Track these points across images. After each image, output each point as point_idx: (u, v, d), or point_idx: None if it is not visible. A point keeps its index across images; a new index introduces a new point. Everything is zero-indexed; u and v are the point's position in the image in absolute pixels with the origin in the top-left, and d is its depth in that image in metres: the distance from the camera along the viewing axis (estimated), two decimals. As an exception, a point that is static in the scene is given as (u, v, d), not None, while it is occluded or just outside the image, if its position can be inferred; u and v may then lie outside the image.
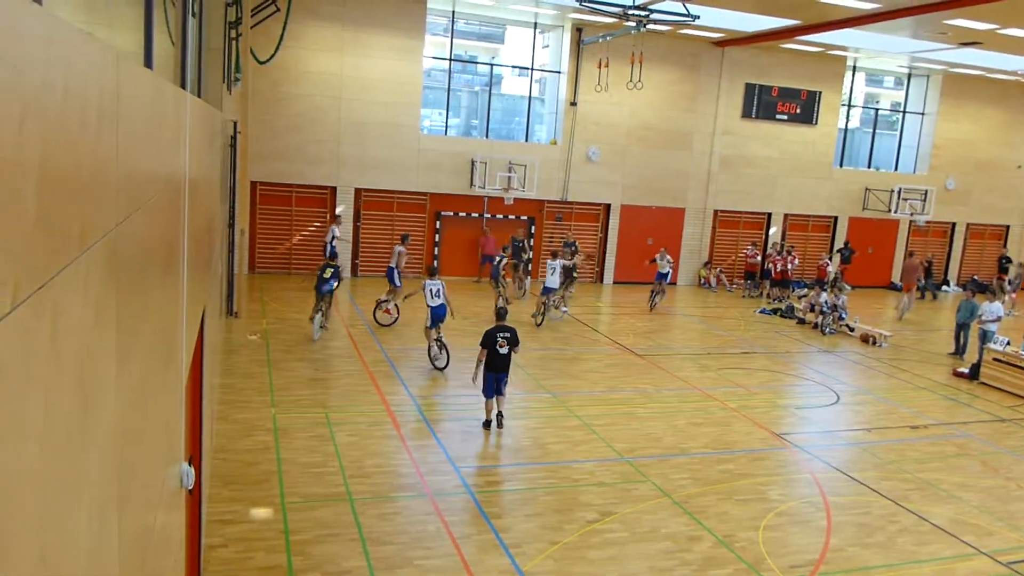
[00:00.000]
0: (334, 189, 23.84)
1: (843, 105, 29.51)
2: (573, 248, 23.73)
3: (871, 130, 31.54)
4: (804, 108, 28.32)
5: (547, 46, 26.60)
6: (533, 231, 26.16)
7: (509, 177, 24.32)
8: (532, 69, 26.31)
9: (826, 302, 21.44)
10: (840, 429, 13.42)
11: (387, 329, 17.61)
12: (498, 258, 20.50)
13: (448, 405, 12.93)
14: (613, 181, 26.59)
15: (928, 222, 30.12)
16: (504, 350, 11.89)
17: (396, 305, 17.94)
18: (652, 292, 22.53)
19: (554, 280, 19.55)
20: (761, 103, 27.78)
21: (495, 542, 8.40)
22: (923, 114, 30.68)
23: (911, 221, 30.29)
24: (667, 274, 22.67)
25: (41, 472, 1.53)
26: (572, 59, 25.32)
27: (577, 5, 20.23)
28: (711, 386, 15.17)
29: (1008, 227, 33.02)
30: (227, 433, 10.72)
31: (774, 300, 25.35)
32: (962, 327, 19.42)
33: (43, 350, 1.55)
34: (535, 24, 25.67)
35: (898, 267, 30.33)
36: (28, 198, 1.44)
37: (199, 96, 6.51)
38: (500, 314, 12.58)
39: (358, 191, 24.09)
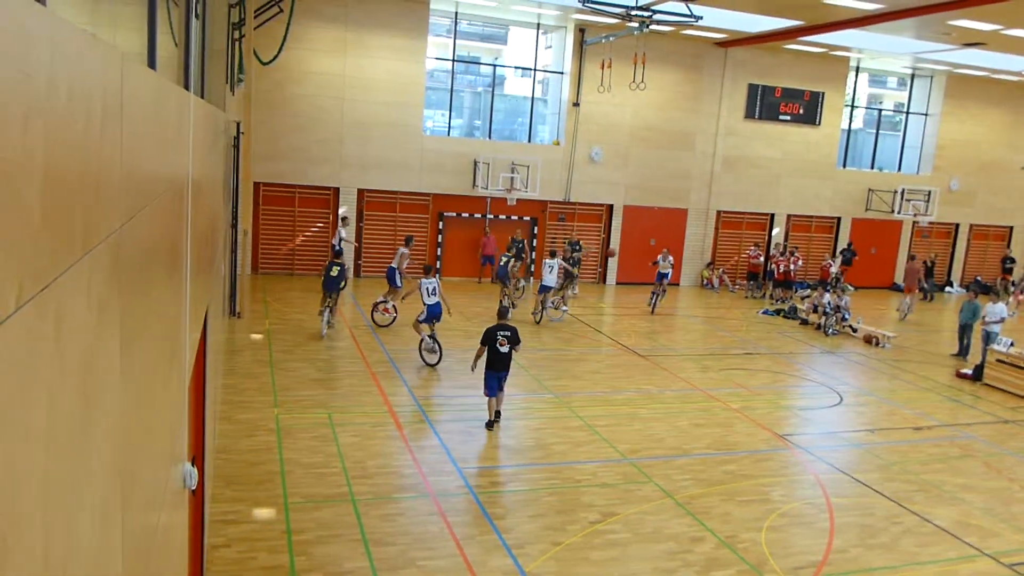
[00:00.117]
0: (337, 190, 23.86)
1: (846, 106, 29.49)
2: (577, 247, 23.75)
3: (874, 131, 31.50)
4: (807, 109, 28.30)
5: (550, 47, 26.60)
6: (536, 231, 26.16)
7: (512, 178, 24.32)
8: (535, 70, 26.31)
9: (829, 303, 21.42)
10: (843, 430, 13.40)
11: (389, 330, 17.62)
12: (505, 259, 20.46)
13: (450, 405, 12.93)
14: (616, 182, 26.58)
15: (931, 223, 30.06)
16: (504, 349, 11.94)
17: (394, 305, 17.96)
18: (653, 293, 22.46)
19: (551, 278, 19.62)
20: (764, 104, 27.76)
21: (498, 543, 8.40)
22: (927, 115, 30.65)
23: (914, 222, 30.24)
24: (668, 275, 22.65)
25: (44, 472, 1.53)
26: (575, 60, 25.32)
27: (580, 6, 20.23)
28: (714, 387, 15.16)
29: (1012, 228, 32.96)
30: (230, 433, 10.73)
31: (777, 301, 25.32)
32: (965, 328, 19.38)
33: (47, 351, 1.55)
34: (538, 25, 25.68)
35: (901, 268, 30.27)
36: (32, 199, 1.44)
37: (202, 97, 6.52)
38: (501, 313, 12.64)
39: (361, 192, 24.11)
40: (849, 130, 30.25)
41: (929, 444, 12.90)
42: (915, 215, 29.29)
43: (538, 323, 19.55)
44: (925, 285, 28.41)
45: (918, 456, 12.21)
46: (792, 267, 25.48)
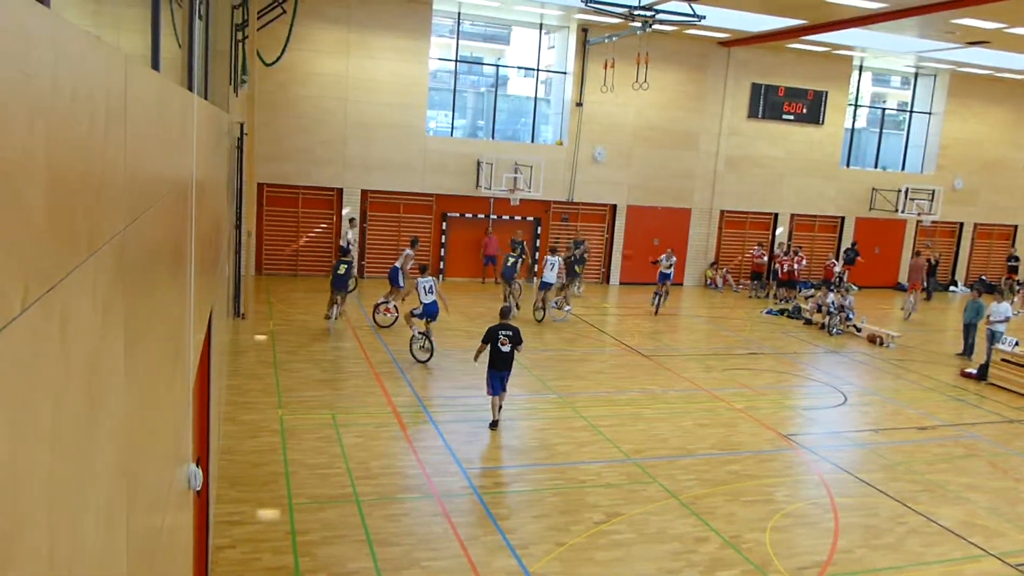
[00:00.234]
0: (340, 191, 23.88)
1: (850, 105, 29.44)
2: (582, 247, 23.76)
3: (878, 130, 31.45)
4: (810, 108, 28.26)
5: (553, 47, 26.60)
6: (539, 232, 26.16)
7: (515, 178, 24.32)
8: (538, 70, 26.31)
9: (833, 302, 21.39)
10: (847, 430, 13.38)
11: (392, 330, 17.62)
12: (512, 260, 20.49)
13: (454, 406, 12.93)
14: (619, 182, 26.57)
15: (935, 222, 30.00)
16: (506, 348, 11.99)
17: (395, 305, 18.00)
18: (655, 294, 22.27)
19: (552, 275, 19.69)
20: (767, 103, 27.73)
21: (502, 543, 8.40)
22: (930, 114, 30.59)
23: (918, 221, 30.18)
24: (670, 275, 22.54)
25: (50, 473, 1.53)
26: (578, 60, 25.32)
27: (583, 6, 20.23)
28: (718, 387, 15.14)
29: (1016, 227, 32.89)
30: (234, 434, 10.74)
31: (780, 300, 25.29)
32: (969, 327, 19.35)
33: (52, 352, 1.55)
34: (540, 25, 25.68)
35: (905, 267, 30.20)
36: (36, 201, 1.45)
37: (206, 98, 6.53)
38: (504, 313, 12.71)
39: (364, 192, 24.13)
40: (853, 129, 30.20)
41: (934, 444, 12.87)
42: (919, 214, 29.24)
43: (539, 321, 19.62)
44: (926, 284, 28.36)
45: (923, 456, 12.19)
46: (796, 267, 25.45)
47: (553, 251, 20.56)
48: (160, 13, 3.70)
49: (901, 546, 9.09)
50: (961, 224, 31.93)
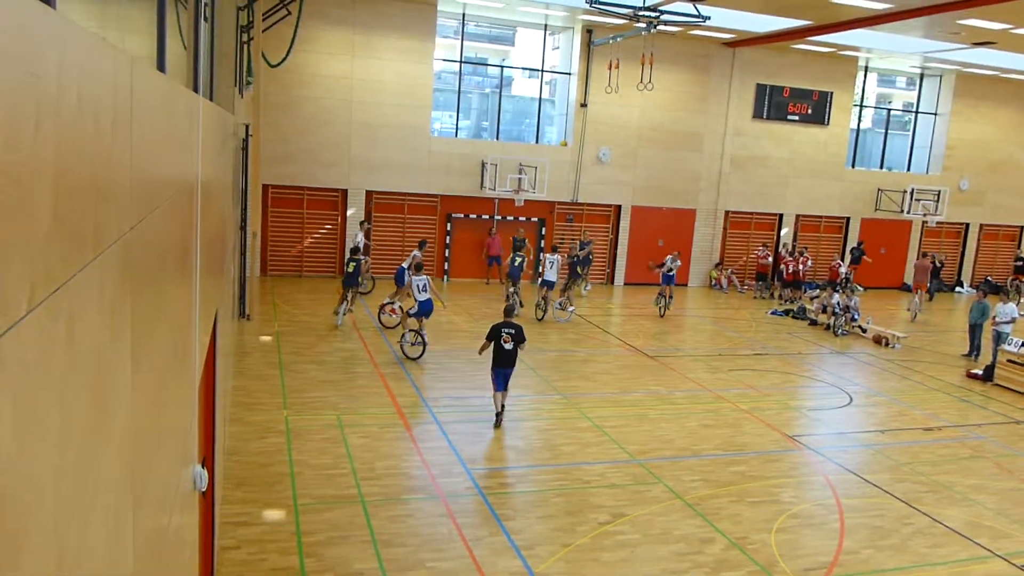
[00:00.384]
0: (345, 192, 23.91)
1: (855, 105, 29.38)
2: (588, 247, 23.75)
3: (883, 130, 31.39)
4: (816, 109, 28.22)
5: (557, 48, 26.60)
6: (544, 232, 26.15)
7: (520, 179, 24.33)
8: (542, 71, 26.31)
9: (838, 303, 21.35)
10: (853, 431, 13.35)
11: (397, 331, 17.60)
12: (519, 259, 20.55)
13: (459, 406, 12.93)
14: (624, 182, 26.56)
15: (940, 223, 29.92)
16: (509, 346, 12.07)
17: (400, 306, 18.04)
18: (659, 295, 22.07)
19: (552, 273, 19.81)
20: (772, 104, 27.70)
21: (507, 544, 8.40)
22: (936, 114, 30.52)
23: (923, 222, 30.11)
24: (673, 277, 22.36)
25: (57, 473, 1.54)
26: (582, 60, 25.31)
27: (587, 7, 20.22)
28: (723, 388, 15.12)
29: (1022, 227, 32.80)
30: (240, 435, 10.76)
31: (786, 301, 25.25)
32: (975, 328, 19.30)
33: (59, 352, 1.56)
34: (545, 26, 25.68)
35: (910, 268, 30.13)
36: (43, 201, 1.45)
37: (211, 100, 6.54)
38: (507, 311, 12.87)
39: (369, 193, 24.15)
40: (858, 130, 30.14)
41: (940, 445, 12.84)
42: (925, 215, 29.16)
43: (539, 320, 19.68)
44: (929, 285, 28.26)
45: (929, 457, 12.16)
46: (802, 267, 25.40)
47: (554, 249, 20.77)
48: (166, 15, 3.71)
49: (907, 547, 9.07)
50: (967, 225, 31.84)
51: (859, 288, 22.75)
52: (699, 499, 9.90)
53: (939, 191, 29.16)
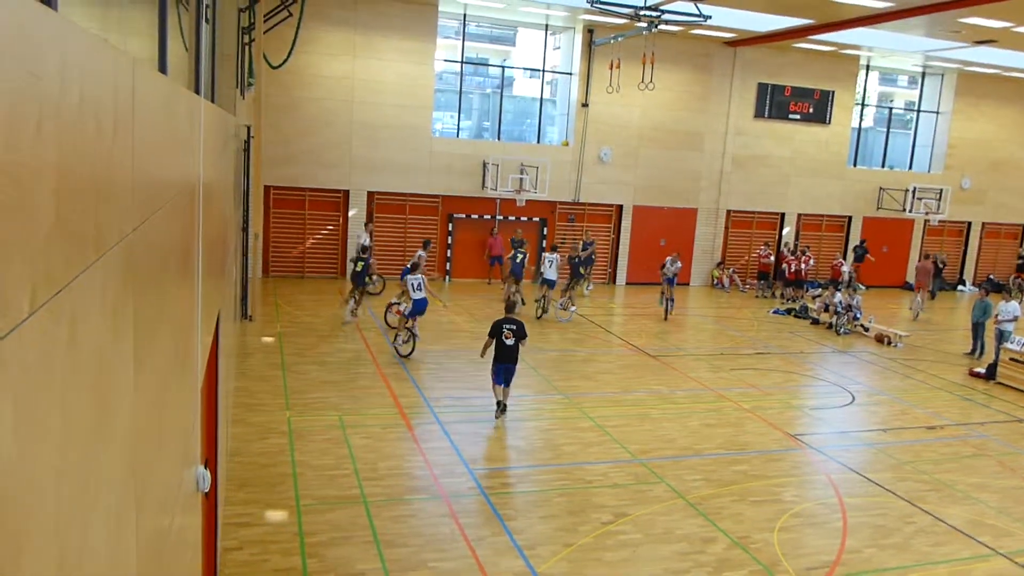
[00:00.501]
0: (347, 192, 23.92)
1: (856, 104, 29.36)
2: (590, 248, 23.77)
3: (885, 129, 31.37)
4: (817, 107, 28.20)
5: (558, 48, 26.60)
6: (545, 232, 26.15)
7: (521, 179, 24.33)
8: (544, 71, 26.31)
9: (840, 302, 21.33)
10: (855, 430, 13.35)
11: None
12: (520, 257, 20.64)
13: (461, 407, 12.93)
14: (625, 182, 26.55)
15: (942, 221, 29.90)
16: (510, 341, 12.18)
17: (405, 306, 18.04)
18: (662, 294, 21.86)
19: (552, 272, 19.94)
20: (774, 103, 27.68)
21: (509, 544, 8.40)
22: (937, 113, 30.49)
23: (926, 221, 30.09)
24: (674, 279, 22.19)
25: (58, 475, 1.54)
26: (583, 60, 25.31)
27: (588, 6, 20.22)
28: (725, 387, 15.12)
29: (1024, 226, 32.84)
30: (242, 436, 10.77)
31: (788, 300, 25.24)
32: (977, 327, 19.29)
33: (60, 354, 1.56)
34: (546, 26, 25.68)
35: (912, 267, 30.10)
36: (45, 203, 1.45)
37: (213, 101, 6.54)
38: (509, 307, 13.06)
39: (370, 194, 24.17)
40: (860, 129, 30.12)
41: (942, 443, 12.83)
42: (926, 214, 29.15)
43: (538, 318, 19.72)
44: (931, 285, 28.24)
45: (931, 455, 12.15)
46: (803, 267, 25.38)
47: (554, 248, 20.88)
48: (167, 16, 3.72)
49: (909, 546, 9.06)
50: (969, 223, 31.81)
51: (861, 287, 22.72)
52: (701, 498, 9.89)
53: (941, 190, 29.14)
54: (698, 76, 26.68)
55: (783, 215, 28.97)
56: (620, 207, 26.84)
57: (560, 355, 16.88)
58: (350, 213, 23.93)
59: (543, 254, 21.25)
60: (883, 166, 30.97)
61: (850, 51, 26.91)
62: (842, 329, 21.02)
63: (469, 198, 24.97)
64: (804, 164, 28.55)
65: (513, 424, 12.21)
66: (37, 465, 1.40)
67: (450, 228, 25.22)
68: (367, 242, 22.14)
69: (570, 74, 25.84)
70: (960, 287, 31.57)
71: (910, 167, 31.10)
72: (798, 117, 28.07)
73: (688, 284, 27.57)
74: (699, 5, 19.80)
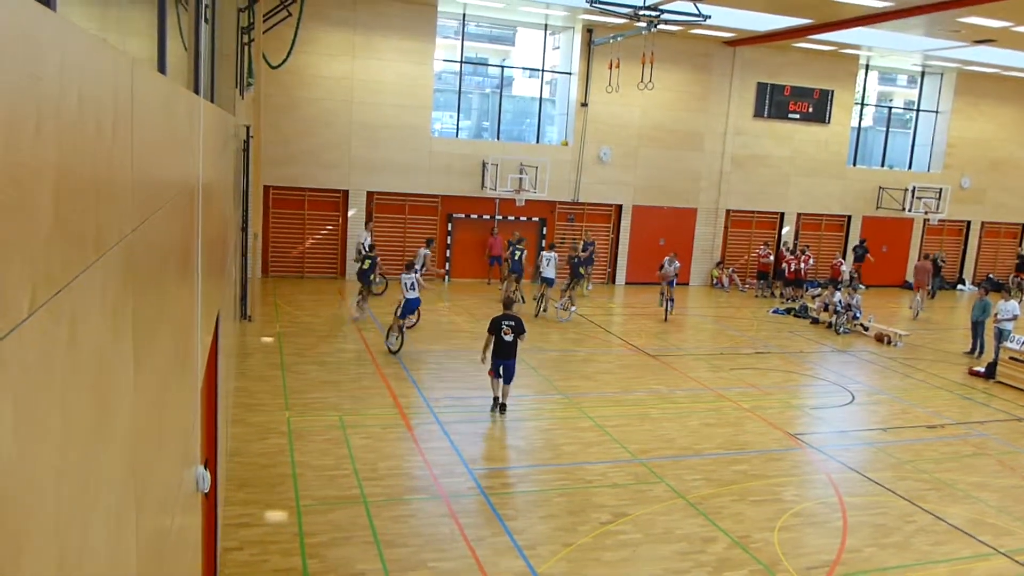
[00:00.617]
0: (346, 192, 23.92)
1: (856, 104, 29.36)
2: (590, 248, 23.80)
3: (884, 128, 31.37)
4: (817, 107, 28.20)
5: (558, 47, 26.60)
6: (545, 232, 26.15)
7: (520, 179, 24.33)
8: (543, 71, 26.31)
9: (840, 301, 21.34)
10: (855, 429, 13.35)
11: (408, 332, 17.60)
12: (519, 253, 20.71)
13: (460, 407, 12.93)
14: (625, 182, 26.55)
15: (942, 220, 29.92)
16: (509, 337, 12.35)
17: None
18: (661, 294, 21.77)
19: (550, 270, 20.12)
20: (773, 102, 27.68)
21: (509, 544, 8.40)
22: (937, 112, 30.50)
23: (925, 220, 30.10)
24: (674, 280, 22.11)
25: (58, 475, 1.54)
26: (583, 60, 25.31)
27: (587, 6, 20.23)
28: (724, 386, 15.12)
29: (1023, 225, 32.79)
30: (242, 436, 10.77)
31: (787, 300, 25.24)
32: (977, 325, 19.29)
33: (60, 354, 1.56)
34: (545, 26, 25.68)
35: (912, 266, 30.10)
36: (45, 203, 1.45)
37: (212, 101, 6.54)
38: (507, 304, 13.09)
39: (370, 194, 24.16)
40: (859, 128, 30.12)
41: (942, 443, 12.83)
42: (926, 213, 29.16)
43: (536, 316, 19.79)
44: (931, 284, 28.24)
45: (931, 455, 12.15)
46: (803, 266, 25.39)
47: (551, 247, 21.05)
48: (166, 16, 3.72)
49: (910, 545, 9.07)
50: (968, 223, 31.82)
51: (861, 286, 22.72)
52: (701, 498, 9.89)
53: (940, 189, 29.16)
54: (697, 76, 26.68)
55: (782, 215, 28.98)
56: (619, 207, 26.84)
57: (560, 355, 16.88)
58: (349, 213, 23.94)
59: (541, 253, 21.39)
60: (882, 165, 30.98)
61: (849, 51, 26.92)
62: (842, 328, 21.02)
63: (468, 198, 24.97)
64: (803, 164, 28.55)
65: (513, 424, 12.22)
66: (37, 465, 1.40)
67: (449, 228, 25.22)
68: (368, 242, 22.14)
69: (569, 74, 25.84)
70: (960, 286, 31.58)
71: (909, 166, 31.10)
72: (797, 117, 28.07)
73: (688, 284, 27.57)
74: (698, 5, 19.81)
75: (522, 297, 20.54)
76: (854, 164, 30.10)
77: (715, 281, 28.04)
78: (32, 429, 1.36)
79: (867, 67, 29.34)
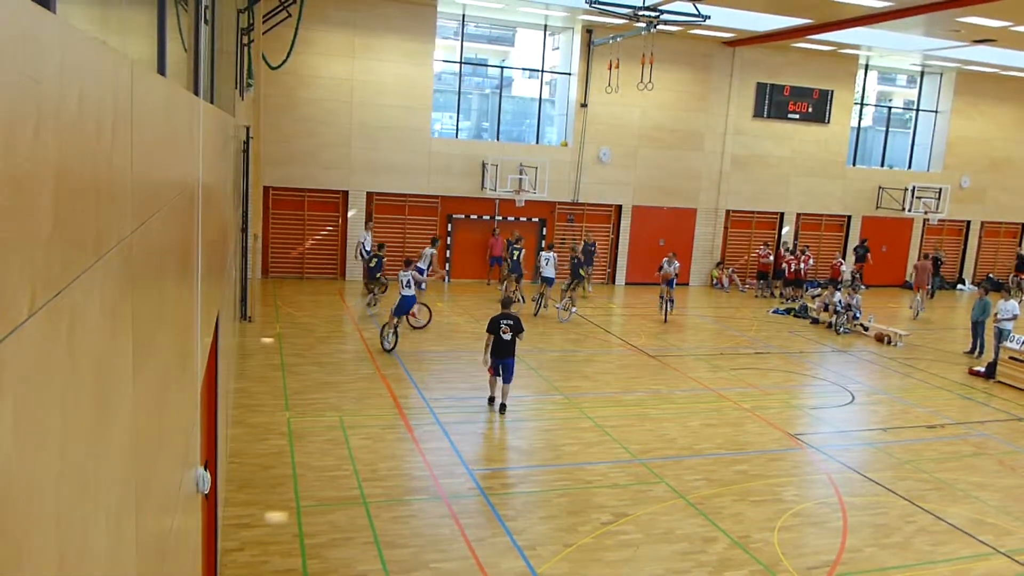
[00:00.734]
0: (346, 193, 23.93)
1: (856, 104, 29.36)
2: (592, 248, 23.82)
3: (884, 128, 31.38)
4: (816, 107, 28.21)
5: (557, 48, 26.60)
6: (544, 233, 26.16)
7: (520, 179, 24.34)
8: (542, 71, 26.31)
9: (840, 301, 21.34)
10: (855, 429, 13.35)
11: (409, 332, 17.59)
12: (517, 253, 20.76)
13: (461, 407, 12.93)
14: (624, 182, 26.56)
15: (942, 220, 29.93)
16: (507, 336, 12.43)
17: (425, 306, 18.13)
18: (661, 298, 21.64)
19: (550, 270, 20.33)
20: (773, 102, 27.69)
21: (509, 544, 8.40)
22: (936, 112, 30.50)
23: (925, 220, 30.10)
24: (673, 280, 22.03)
25: (58, 476, 1.54)
26: (582, 61, 25.31)
27: (587, 7, 20.23)
28: (724, 386, 15.12)
29: (1023, 225, 32.79)
30: (242, 437, 10.77)
31: (787, 300, 25.24)
32: (977, 325, 19.30)
33: (60, 356, 1.56)
34: (545, 26, 25.68)
35: (912, 266, 30.10)
36: (44, 205, 1.45)
37: (212, 102, 6.54)
38: (505, 303, 13.13)
39: (370, 195, 24.17)
40: (859, 128, 30.12)
41: (942, 442, 12.83)
42: (926, 213, 29.16)
43: (535, 315, 19.91)
44: (930, 284, 28.23)
45: (931, 454, 12.15)
46: (803, 266, 25.39)
47: (550, 247, 21.20)
48: (166, 18, 3.72)
49: (910, 545, 9.06)
50: (968, 222, 31.82)
51: (862, 287, 22.74)
52: (701, 498, 9.89)
53: (940, 189, 29.16)
54: (697, 76, 26.68)
55: (782, 215, 28.98)
56: (619, 207, 26.85)
57: (560, 355, 16.88)
58: (349, 214, 23.94)
59: (540, 252, 21.47)
60: (882, 165, 30.98)
61: (849, 50, 26.92)
62: (842, 328, 21.02)
63: (468, 198, 24.98)
64: (803, 164, 28.55)
65: (513, 424, 12.22)
66: (37, 466, 1.40)
67: (449, 228, 25.22)
68: (368, 242, 22.16)
69: (569, 74, 25.85)
70: (960, 286, 31.58)
71: (909, 166, 31.11)
72: (797, 117, 28.07)
73: (687, 284, 27.57)
74: (698, 5, 19.81)
75: (522, 297, 20.60)
76: (854, 164, 30.10)
77: (715, 281, 28.04)
78: (32, 430, 1.36)
79: (867, 67, 29.34)
